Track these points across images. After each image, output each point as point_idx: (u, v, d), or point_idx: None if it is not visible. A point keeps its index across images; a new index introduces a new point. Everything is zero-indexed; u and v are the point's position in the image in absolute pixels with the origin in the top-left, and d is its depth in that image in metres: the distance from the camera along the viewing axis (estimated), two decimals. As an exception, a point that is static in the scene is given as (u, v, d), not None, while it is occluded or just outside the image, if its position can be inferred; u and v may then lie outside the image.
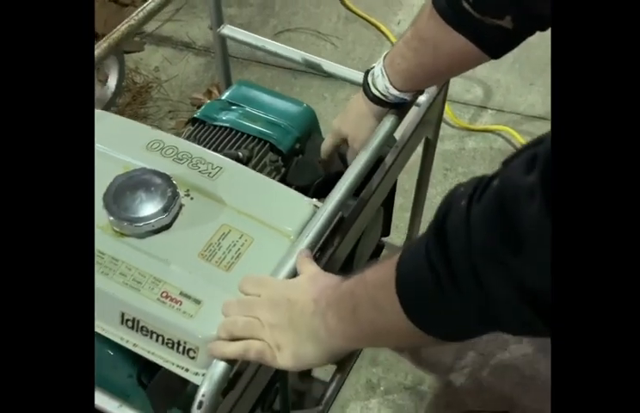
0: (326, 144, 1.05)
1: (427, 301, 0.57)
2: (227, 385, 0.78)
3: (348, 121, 0.99)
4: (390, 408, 1.26)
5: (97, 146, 0.91)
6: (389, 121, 0.94)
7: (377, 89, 0.92)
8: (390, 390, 1.29)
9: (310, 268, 0.75)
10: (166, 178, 0.88)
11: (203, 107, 1.16)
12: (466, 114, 1.82)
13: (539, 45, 1.92)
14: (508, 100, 1.87)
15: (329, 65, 1.22)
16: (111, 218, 0.84)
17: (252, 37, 1.28)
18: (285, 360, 0.71)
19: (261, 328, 0.71)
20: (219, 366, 0.71)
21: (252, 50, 1.52)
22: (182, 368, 0.79)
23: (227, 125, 1.11)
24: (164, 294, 0.80)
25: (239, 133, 1.10)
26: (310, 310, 0.70)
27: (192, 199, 0.89)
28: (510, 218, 0.48)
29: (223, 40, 1.32)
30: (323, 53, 1.99)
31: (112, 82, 1.05)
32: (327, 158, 1.06)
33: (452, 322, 0.57)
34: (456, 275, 0.53)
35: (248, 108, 1.16)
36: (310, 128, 1.18)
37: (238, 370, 0.79)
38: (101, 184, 0.86)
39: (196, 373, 0.78)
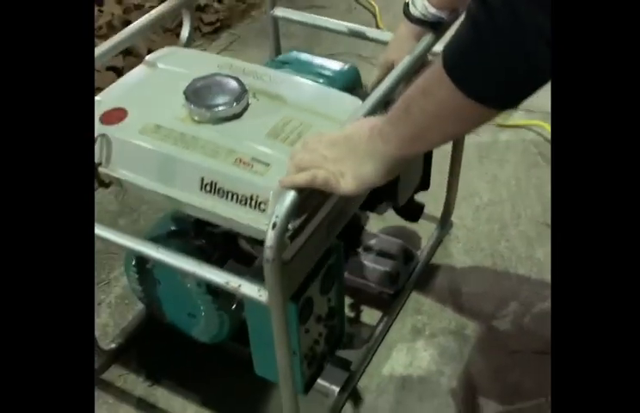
0: (375, 76, 1.17)
1: (470, 55, 0.66)
2: (293, 232, 0.88)
3: (392, 48, 1.12)
4: (435, 348, 1.33)
5: (176, 69, 1.06)
6: (428, 36, 1.06)
7: (416, 8, 1.05)
8: (435, 334, 1.35)
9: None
10: (235, 79, 1.01)
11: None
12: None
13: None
14: (536, 102, 1.96)
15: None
16: (191, 106, 0.97)
17: (302, 15, 1.42)
18: (347, 183, 0.81)
19: (325, 161, 0.82)
20: (290, 193, 0.81)
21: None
22: (254, 221, 0.89)
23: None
24: (238, 160, 0.92)
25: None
26: (367, 135, 0.80)
27: (257, 100, 1.02)
28: None
29: (275, 20, 1.47)
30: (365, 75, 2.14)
31: (185, 31, 1.21)
32: None
33: (492, 73, 0.66)
34: (492, 12, 0.62)
35: (298, 66, 1.29)
36: (354, 84, 1.30)
37: (301, 224, 0.89)
38: (181, 88, 0.99)
39: (267, 225, 0.88)
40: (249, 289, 0.88)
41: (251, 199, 0.89)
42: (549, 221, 1.58)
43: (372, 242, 1.45)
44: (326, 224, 0.92)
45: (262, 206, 0.89)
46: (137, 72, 1.11)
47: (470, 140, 1.83)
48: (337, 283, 1.05)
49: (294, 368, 0.97)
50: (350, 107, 1.00)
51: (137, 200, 1.65)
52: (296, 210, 0.82)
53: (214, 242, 1.12)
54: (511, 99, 0.69)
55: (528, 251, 1.51)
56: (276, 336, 0.89)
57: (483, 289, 1.44)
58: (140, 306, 1.39)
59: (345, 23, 1.35)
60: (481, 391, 1.25)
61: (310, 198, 0.90)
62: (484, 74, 0.67)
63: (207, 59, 1.13)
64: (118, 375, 1.28)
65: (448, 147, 1.45)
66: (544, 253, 1.50)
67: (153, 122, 0.98)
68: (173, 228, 1.14)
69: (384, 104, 0.98)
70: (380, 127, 0.79)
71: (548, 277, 1.45)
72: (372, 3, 2.50)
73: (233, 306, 1.03)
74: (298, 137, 0.95)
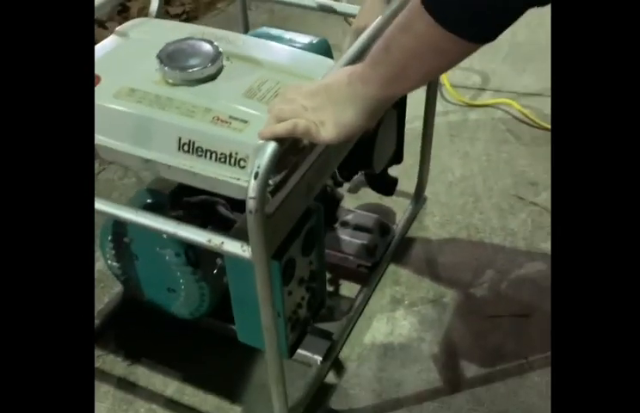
0: (346, 43, 1.17)
1: None
2: (274, 187, 0.88)
3: (363, 14, 1.13)
4: (415, 317, 1.33)
5: (148, 37, 1.05)
6: (399, -1, 1.07)
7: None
8: (414, 303, 1.36)
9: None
10: (209, 42, 1.00)
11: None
12: (467, 94, 1.96)
13: (528, 42, 2.09)
14: (505, 83, 2.01)
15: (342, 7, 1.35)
16: (165, 68, 0.96)
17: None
18: (328, 132, 0.81)
19: (305, 111, 0.82)
20: (271, 144, 0.81)
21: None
22: (234, 178, 0.89)
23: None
24: (215, 118, 0.91)
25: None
26: (346, 82, 0.81)
27: (232, 63, 1.02)
28: None
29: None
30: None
31: (154, 5, 1.20)
32: None
33: (470, 5, 0.65)
34: None
35: (268, 39, 1.29)
36: (325, 55, 1.30)
37: (282, 180, 0.89)
38: (153, 54, 0.98)
39: (247, 181, 0.87)
40: (232, 246, 0.87)
41: (230, 156, 0.89)
42: (520, 194, 1.60)
43: (349, 217, 1.46)
44: (306, 181, 0.92)
45: (242, 162, 0.88)
46: (108, 42, 1.10)
47: (441, 120, 1.85)
48: (318, 245, 1.05)
49: (279, 331, 0.96)
50: (325, 68, 1.00)
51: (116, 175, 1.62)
52: (277, 161, 0.81)
53: (192, 212, 1.11)
54: (489, 31, 0.69)
55: (501, 222, 1.53)
56: (260, 295, 0.89)
57: (459, 259, 1.45)
58: (116, 289, 1.37)
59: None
60: (462, 355, 1.26)
61: (289, 153, 0.90)
62: (462, 6, 0.68)
63: (179, 28, 1.12)
64: (96, 356, 1.25)
65: (418, 127, 1.47)
66: (517, 223, 1.52)
67: (127, 86, 0.97)
68: (149, 201, 1.13)
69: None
70: (360, 71, 0.79)
71: (522, 246, 1.47)
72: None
73: (214, 271, 1.01)
74: (275, 96, 0.95)
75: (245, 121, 0.90)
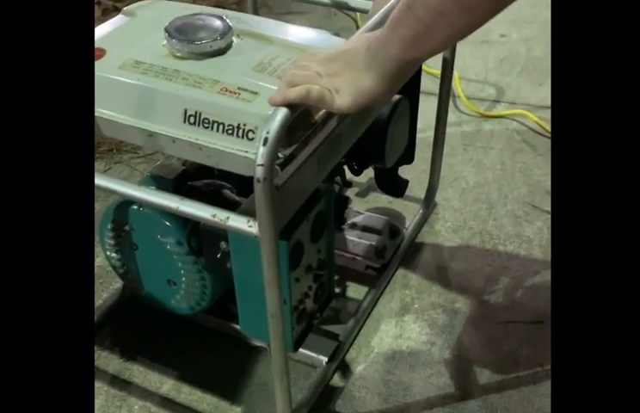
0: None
1: None
2: (283, 160, 0.83)
3: (377, 5, 1.09)
4: (425, 321, 1.28)
5: (156, 15, 1.02)
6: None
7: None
8: (425, 307, 1.30)
9: None
10: (219, 17, 0.97)
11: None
12: (481, 106, 1.92)
13: (545, 57, 2.07)
14: (520, 95, 1.97)
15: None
16: (173, 41, 0.92)
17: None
18: (344, 99, 0.77)
19: (320, 78, 0.77)
20: (282, 110, 0.76)
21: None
22: (242, 151, 0.84)
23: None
24: (223, 89, 0.87)
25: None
26: (365, 46, 0.76)
27: (242, 39, 0.98)
28: None
29: None
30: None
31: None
32: None
33: None
34: None
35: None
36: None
37: (292, 154, 0.85)
38: (161, 30, 0.95)
39: (255, 153, 0.83)
40: (237, 221, 0.83)
41: (238, 127, 0.85)
42: (536, 202, 1.55)
43: (357, 219, 1.41)
44: (317, 157, 0.87)
45: (251, 134, 0.84)
46: (115, 20, 1.06)
47: (455, 130, 1.82)
48: (327, 233, 1.00)
49: (284, 319, 0.91)
50: (337, 43, 0.96)
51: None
52: (287, 129, 0.77)
53: (196, 198, 1.06)
54: None
55: (516, 229, 1.48)
56: (266, 277, 0.84)
57: (471, 265, 1.40)
58: (114, 286, 1.32)
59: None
60: (474, 360, 1.20)
61: (300, 128, 0.86)
62: None
63: (188, 8, 1.08)
64: (91, 349, 1.20)
65: (431, 136, 1.43)
66: (532, 231, 1.47)
67: (133, 58, 0.93)
68: (152, 186, 1.08)
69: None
70: (379, 34, 0.75)
71: (538, 253, 1.42)
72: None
73: (218, 255, 0.96)
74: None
75: (255, 93, 0.86)
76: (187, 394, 1.14)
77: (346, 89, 0.76)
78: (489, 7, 0.66)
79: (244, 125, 0.84)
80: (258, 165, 0.75)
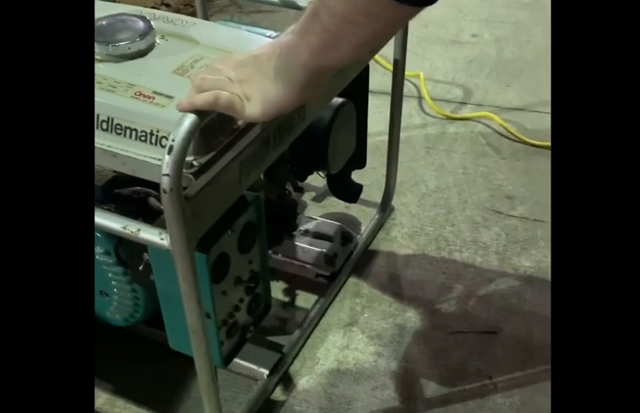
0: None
1: None
2: (199, 168, 0.79)
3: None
4: (374, 331, 1.24)
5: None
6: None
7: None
8: (374, 316, 1.27)
9: None
10: (142, 18, 0.93)
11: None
12: (447, 108, 1.88)
13: (515, 59, 2.03)
14: (487, 97, 1.93)
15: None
16: (90, 42, 0.88)
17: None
18: (254, 108, 0.73)
19: (230, 83, 0.73)
20: (189, 116, 0.72)
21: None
22: (155, 158, 0.80)
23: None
24: (138, 93, 0.83)
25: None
26: (276, 52, 0.72)
27: (167, 40, 0.94)
28: None
29: None
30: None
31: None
32: None
33: None
34: None
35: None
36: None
37: (208, 162, 0.81)
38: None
39: (167, 161, 0.79)
40: (149, 234, 0.79)
41: (151, 134, 0.81)
42: (496, 207, 1.52)
43: (310, 225, 1.37)
44: (238, 165, 0.83)
45: (164, 140, 0.80)
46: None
47: (418, 132, 1.78)
48: (259, 243, 0.96)
49: (210, 334, 0.87)
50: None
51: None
52: (203, 133, 0.73)
53: (123, 206, 1.02)
54: None
55: (473, 235, 1.44)
56: (183, 290, 0.80)
57: (425, 272, 1.36)
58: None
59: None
60: (421, 372, 1.16)
61: (219, 134, 0.82)
62: None
63: (116, 7, 1.04)
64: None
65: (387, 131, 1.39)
66: (490, 237, 1.43)
67: (48, 60, 0.88)
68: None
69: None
70: (289, 41, 0.71)
71: (493, 260, 1.38)
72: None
73: (140, 267, 0.92)
74: (207, 74, 0.87)
75: (170, 97, 0.82)
76: (121, 408, 1.10)
77: (257, 97, 0.72)
78: (396, 13, 0.61)
79: (157, 131, 0.80)
80: (164, 175, 0.71)
